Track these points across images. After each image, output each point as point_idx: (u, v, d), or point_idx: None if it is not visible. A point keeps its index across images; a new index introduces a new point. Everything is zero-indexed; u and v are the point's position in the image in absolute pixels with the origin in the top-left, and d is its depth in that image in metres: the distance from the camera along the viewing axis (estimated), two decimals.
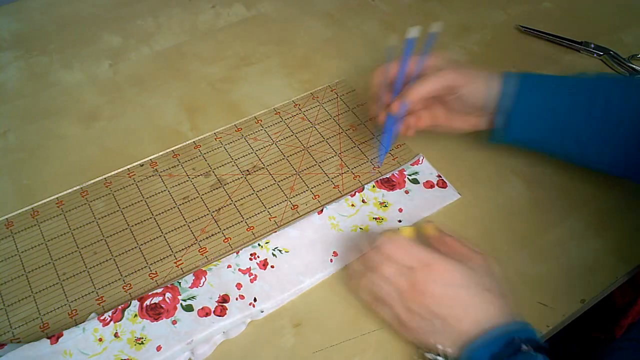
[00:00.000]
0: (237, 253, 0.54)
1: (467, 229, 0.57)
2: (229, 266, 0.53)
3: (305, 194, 0.59)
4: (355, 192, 0.59)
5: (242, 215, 0.58)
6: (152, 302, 0.50)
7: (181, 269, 0.54)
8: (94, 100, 0.68)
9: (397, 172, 0.61)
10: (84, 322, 0.49)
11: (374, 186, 0.60)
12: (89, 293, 0.52)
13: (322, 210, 0.57)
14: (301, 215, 0.58)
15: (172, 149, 0.63)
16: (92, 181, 0.60)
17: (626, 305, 0.63)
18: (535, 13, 0.82)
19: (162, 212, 0.58)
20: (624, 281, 0.56)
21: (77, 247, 0.55)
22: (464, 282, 0.45)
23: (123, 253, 0.55)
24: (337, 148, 0.64)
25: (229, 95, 0.69)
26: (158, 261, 0.54)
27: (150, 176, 0.61)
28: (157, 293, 0.50)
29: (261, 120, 0.66)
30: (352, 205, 0.58)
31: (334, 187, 0.60)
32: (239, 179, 0.61)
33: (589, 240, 0.57)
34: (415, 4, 0.83)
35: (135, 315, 0.49)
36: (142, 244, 0.55)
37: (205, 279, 0.52)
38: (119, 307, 0.49)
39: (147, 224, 0.57)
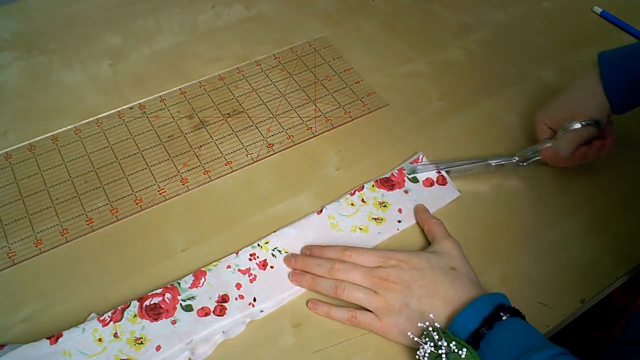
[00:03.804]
0: (236, 253, 0.54)
1: (467, 229, 0.57)
2: (228, 266, 0.53)
3: (280, 134, 0.65)
4: (354, 191, 0.59)
5: (221, 152, 0.63)
6: (152, 302, 0.50)
7: (164, 196, 0.59)
8: (94, 100, 0.68)
9: (396, 171, 0.61)
10: (82, 314, 0.49)
11: (373, 185, 0.59)
12: (79, 215, 0.57)
13: (321, 210, 0.57)
14: (275, 153, 0.63)
15: (160, 94, 0.69)
16: (85, 121, 0.66)
17: (626, 305, 0.63)
18: (536, 13, 0.82)
19: (148, 148, 0.63)
20: (624, 281, 0.56)
21: (70, 177, 0.60)
22: (426, 265, 0.49)
23: (111, 182, 0.60)
24: (312, 95, 0.69)
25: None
26: (143, 189, 0.60)
27: (138, 117, 0.66)
28: (156, 293, 0.50)
29: (243, 71, 0.72)
30: (352, 204, 0.58)
31: (307, 129, 0.65)
32: (219, 121, 0.66)
33: (588, 240, 0.57)
34: (415, 4, 0.83)
35: (135, 316, 0.49)
36: (128, 175, 0.61)
37: (205, 279, 0.52)
38: (119, 308, 0.49)
39: (134, 158, 0.63)
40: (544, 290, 0.53)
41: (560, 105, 0.60)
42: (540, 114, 0.62)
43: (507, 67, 0.74)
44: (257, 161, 0.63)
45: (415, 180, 0.60)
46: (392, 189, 0.59)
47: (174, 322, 0.49)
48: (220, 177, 0.61)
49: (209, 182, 0.61)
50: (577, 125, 0.57)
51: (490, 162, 0.60)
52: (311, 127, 0.66)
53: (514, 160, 0.61)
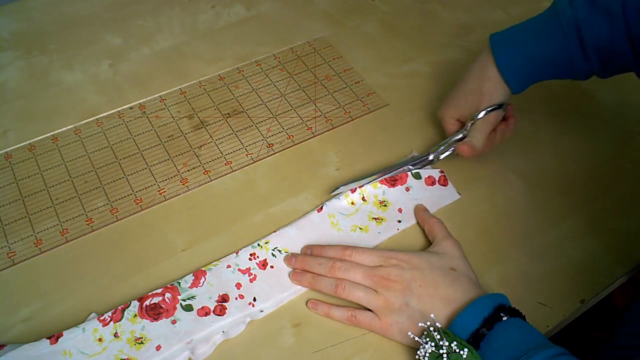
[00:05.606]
0: (236, 253, 0.54)
1: (466, 229, 0.57)
2: (228, 266, 0.53)
3: (280, 134, 0.65)
4: (355, 188, 0.59)
5: (221, 152, 0.63)
6: (152, 302, 0.50)
7: (164, 196, 0.59)
8: (94, 100, 0.68)
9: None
10: (82, 314, 0.49)
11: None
12: (79, 215, 0.57)
13: (321, 208, 0.57)
14: (275, 153, 0.63)
15: (160, 94, 0.69)
16: (85, 121, 0.66)
17: (626, 305, 0.63)
18: (535, 13, 0.82)
19: (148, 148, 0.64)
20: (623, 281, 0.56)
21: (70, 177, 0.61)
22: (427, 265, 0.50)
23: (111, 182, 0.60)
24: (312, 95, 0.69)
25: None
26: (143, 189, 0.60)
27: (138, 117, 0.66)
28: (156, 293, 0.50)
29: (243, 71, 0.72)
30: (352, 203, 0.58)
31: (307, 129, 0.66)
32: (219, 121, 0.66)
33: (588, 240, 0.57)
34: (415, 4, 0.83)
35: (135, 315, 0.49)
36: (128, 175, 0.61)
37: (205, 279, 0.52)
38: (119, 308, 0.49)
39: (134, 158, 0.63)
40: (544, 291, 0.53)
41: (461, 96, 0.60)
42: (445, 109, 0.61)
43: None
44: (257, 161, 0.63)
45: (417, 176, 0.60)
46: (394, 185, 0.59)
47: (174, 322, 0.49)
48: (220, 177, 0.61)
49: (209, 182, 0.61)
50: (483, 114, 0.58)
51: (409, 166, 0.60)
52: (311, 127, 0.66)
53: (430, 158, 0.61)
